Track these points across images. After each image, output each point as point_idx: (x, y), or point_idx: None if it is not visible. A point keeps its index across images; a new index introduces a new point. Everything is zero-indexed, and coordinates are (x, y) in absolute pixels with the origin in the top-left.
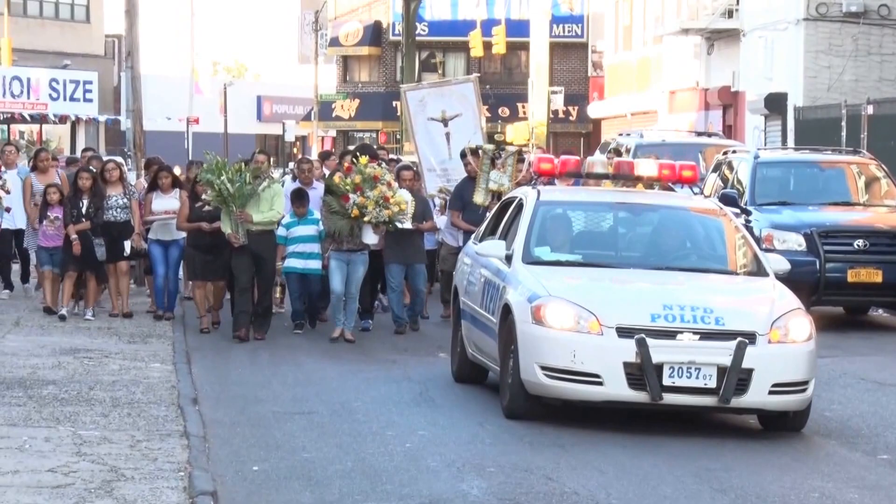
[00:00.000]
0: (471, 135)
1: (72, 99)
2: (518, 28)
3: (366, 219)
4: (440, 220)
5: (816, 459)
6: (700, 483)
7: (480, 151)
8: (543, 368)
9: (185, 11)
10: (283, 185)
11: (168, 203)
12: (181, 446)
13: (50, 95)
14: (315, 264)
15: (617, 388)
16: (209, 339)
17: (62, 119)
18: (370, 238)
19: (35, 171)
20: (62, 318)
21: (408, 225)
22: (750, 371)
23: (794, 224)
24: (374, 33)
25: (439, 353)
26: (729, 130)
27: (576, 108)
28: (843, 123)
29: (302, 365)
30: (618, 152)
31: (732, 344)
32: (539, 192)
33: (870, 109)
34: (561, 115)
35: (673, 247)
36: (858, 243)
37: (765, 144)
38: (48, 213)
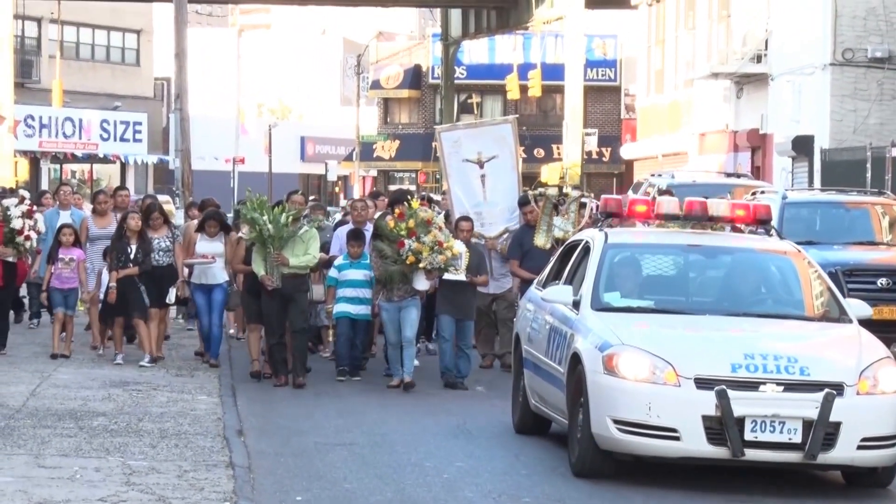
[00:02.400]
0: (507, 177)
1: (122, 139)
2: (553, 72)
3: (421, 265)
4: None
5: None
6: None
7: (543, 197)
8: (616, 422)
9: (231, 55)
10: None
11: (211, 247)
12: (227, 476)
13: (101, 136)
14: (365, 310)
15: (695, 444)
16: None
17: (112, 158)
18: (422, 285)
19: (94, 214)
20: (151, 362)
21: (461, 277)
22: (838, 424)
23: (820, 262)
24: (414, 76)
25: (476, 386)
26: (757, 172)
27: (609, 149)
28: (868, 165)
29: (343, 397)
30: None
31: (819, 396)
32: (607, 235)
33: (894, 152)
34: (595, 155)
35: (748, 291)
36: (882, 282)
37: (792, 185)
38: (61, 255)
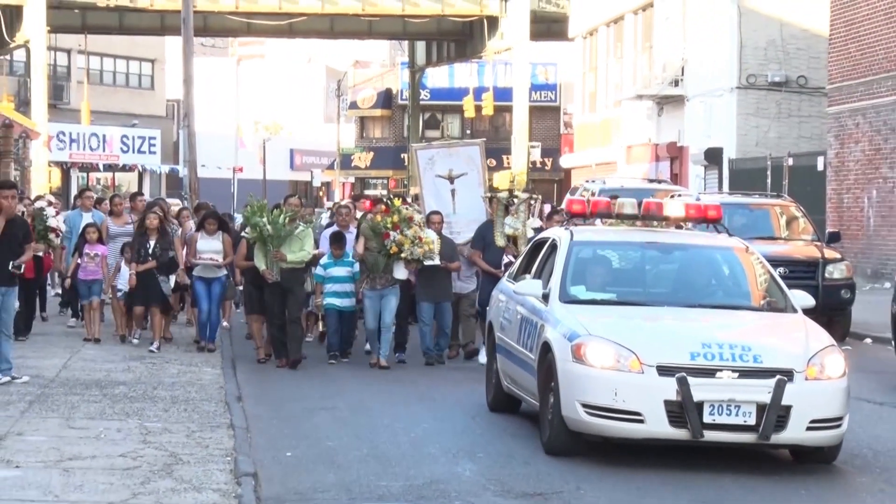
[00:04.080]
0: (474, 192)
1: (139, 152)
2: (503, 94)
3: (402, 255)
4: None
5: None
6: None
7: (495, 199)
8: (585, 406)
9: (231, 81)
10: (321, 223)
11: (211, 244)
12: (228, 436)
13: (121, 149)
14: (350, 302)
15: (658, 426)
16: (251, 350)
17: (131, 168)
18: (401, 273)
19: (111, 216)
20: (123, 339)
21: (436, 261)
22: (788, 408)
23: None
24: (386, 98)
25: (437, 362)
26: (675, 178)
27: (550, 159)
28: (769, 173)
29: (328, 371)
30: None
31: (771, 382)
32: (572, 233)
33: (790, 161)
34: (538, 165)
35: (703, 284)
36: (780, 270)
37: (704, 190)
38: (86, 251)
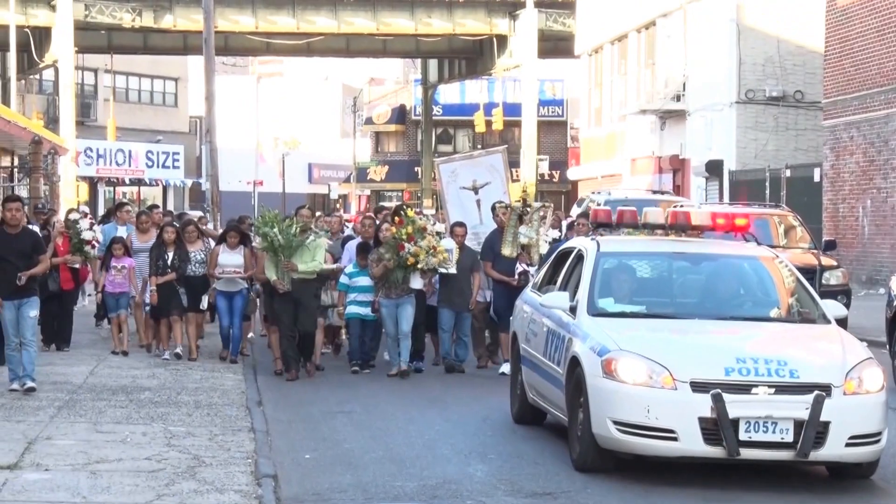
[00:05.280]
0: (499, 201)
1: (163, 166)
2: (512, 109)
3: (418, 266)
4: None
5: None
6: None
7: (508, 209)
8: (616, 423)
9: (251, 98)
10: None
11: (233, 259)
12: (249, 439)
13: (146, 164)
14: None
15: (692, 444)
16: (271, 357)
17: (156, 182)
18: (417, 283)
19: (137, 231)
20: (178, 356)
21: (452, 270)
22: (827, 424)
23: None
24: (400, 114)
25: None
26: (678, 189)
27: (558, 171)
28: (767, 184)
29: (344, 377)
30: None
31: (809, 397)
32: (599, 244)
33: (788, 173)
34: (546, 177)
35: (732, 295)
36: None
37: (706, 200)
38: (114, 263)
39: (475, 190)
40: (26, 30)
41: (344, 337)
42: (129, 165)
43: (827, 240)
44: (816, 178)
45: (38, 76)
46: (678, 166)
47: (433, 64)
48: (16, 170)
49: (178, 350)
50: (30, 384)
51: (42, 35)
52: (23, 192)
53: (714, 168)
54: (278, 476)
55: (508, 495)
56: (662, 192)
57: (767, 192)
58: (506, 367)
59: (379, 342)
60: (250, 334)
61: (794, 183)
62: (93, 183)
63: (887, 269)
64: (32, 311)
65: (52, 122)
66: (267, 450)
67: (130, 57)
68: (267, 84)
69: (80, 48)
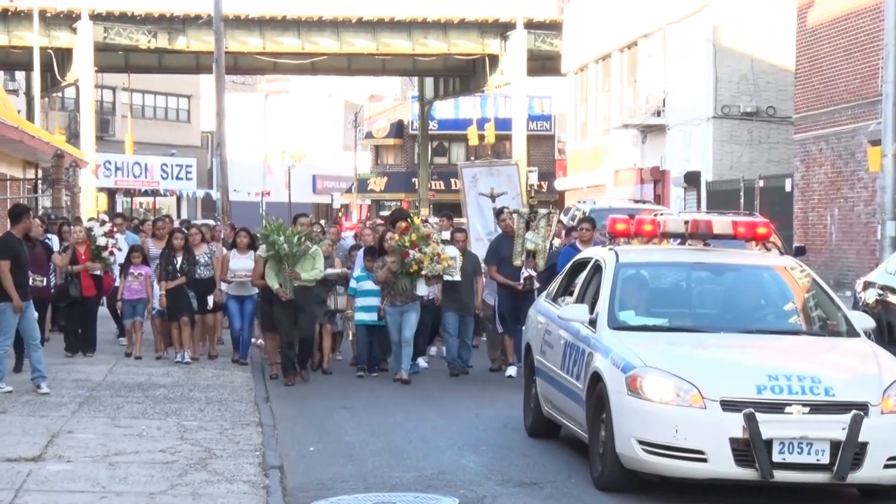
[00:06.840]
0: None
1: (177, 178)
2: (504, 124)
3: (423, 272)
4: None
5: None
6: None
7: (516, 215)
8: (642, 443)
9: (259, 114)
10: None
11: (244, 263)
12: (257, 433)
13: (161, 175)
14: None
15: (723, 466)
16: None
17: (170, 193)
18: (422, 290)
19: (153, 238)
20: (159, 359)
21: (456, 277)
22: (864, 445)
23: None
24: (398, 128)
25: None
26: (658, 199)
27: (546, 182)
28: (742, 193)
29: (346, 374)
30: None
31: (846, 417)
32: (617, 254)
33: (761, 183)
34: (536, 188)
35: (756, 306)
36: None
37: (684, 209)
38: (131, 270)
39: (492, 198)
40: (49, 51)
41: (349, 340)
42: (145, 177)
43: (797, 246)
44: (788, 189)
45: (60, 94)
46: (658, 177)
47: (429, 82)
48: (39, 181)
49: (188, 359)
50: (44, 388)
51: (64, 56)
52: (46, 202)
53: (692, 179)
54: (284, 467)
55: (498, 485)
56: (644, 202)
57: (742, 201)
58: (512, 371)
59: (388, 348)
60: (259, 341)
61: (767, 193)
62: (111, 194)
63: (853, 272)
64: (34, 312)
65: (74, 136)
66: (274, 443)
67: (146, 76)
68: (274, 101)
69: (100, 68)
